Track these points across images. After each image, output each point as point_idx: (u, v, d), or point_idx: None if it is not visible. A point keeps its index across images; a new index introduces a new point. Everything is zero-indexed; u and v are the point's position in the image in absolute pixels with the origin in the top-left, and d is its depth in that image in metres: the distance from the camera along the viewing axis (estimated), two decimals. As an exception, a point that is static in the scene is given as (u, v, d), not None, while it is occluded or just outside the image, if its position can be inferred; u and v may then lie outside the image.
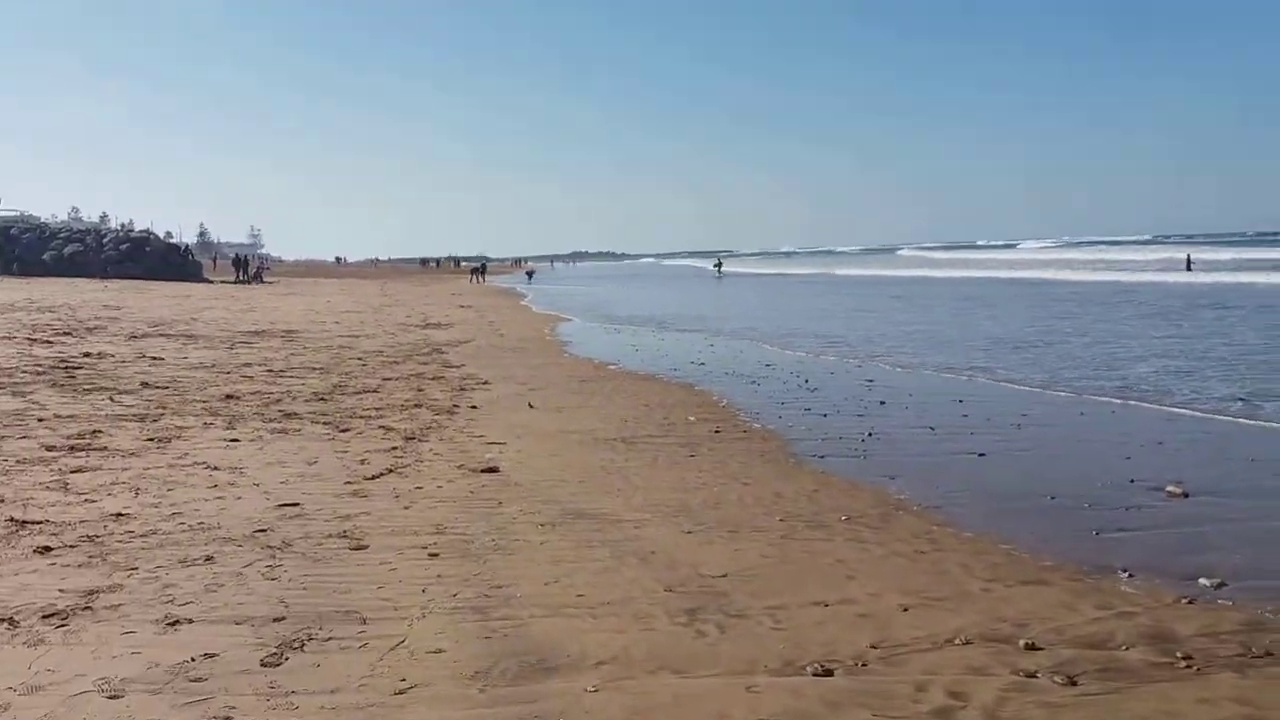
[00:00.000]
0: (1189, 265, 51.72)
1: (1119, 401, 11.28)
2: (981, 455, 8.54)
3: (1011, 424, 9.96)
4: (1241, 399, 11.13)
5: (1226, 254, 64.40)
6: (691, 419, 10.42)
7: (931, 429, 9.77)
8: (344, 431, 9.41)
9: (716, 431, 9.70)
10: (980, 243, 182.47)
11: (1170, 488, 7.08)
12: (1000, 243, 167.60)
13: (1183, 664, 4.01)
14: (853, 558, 5.62)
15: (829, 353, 17.23)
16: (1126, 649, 4.21)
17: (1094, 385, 12.54)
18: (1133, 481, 7.38)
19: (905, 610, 4.76)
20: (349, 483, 7.31)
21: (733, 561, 5.53)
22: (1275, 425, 9.67)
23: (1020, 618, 4.62)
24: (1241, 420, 9.96)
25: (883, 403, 11.42)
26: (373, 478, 7.49)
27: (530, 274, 78.00)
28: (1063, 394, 11.95)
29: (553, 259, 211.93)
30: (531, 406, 11.27)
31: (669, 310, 32.10)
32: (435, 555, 5.59)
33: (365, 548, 5.71)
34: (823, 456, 8.56)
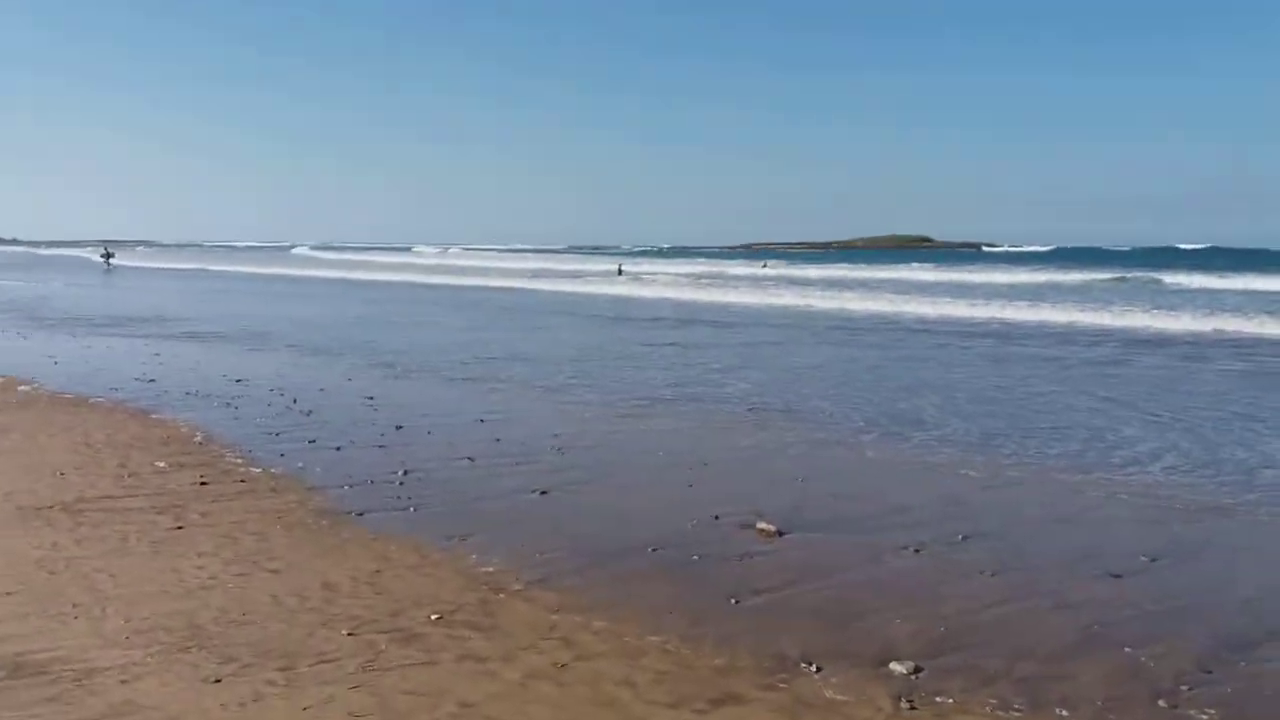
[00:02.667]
0: (620, 272, 56.08)
1: (638, 419, 10.91)
2: (544, 493, 7.38)
3: (552, 448, 8.96)
4: (750, 407, 11.44)
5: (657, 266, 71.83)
6: (162, 464, 7.75)
7: (471, 460, 8.39)
8: None
9: (204, 483, 7.24)
10: (381, 245, 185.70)
11: (760, 525, 6.52)
12: (399, 245, 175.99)
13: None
14: (463, 691, 3.96)
15: (305, 359, 14.97)
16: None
17: (590, 398, 12.16)
18: (718, 518, 6.72)
19: (598, 787, 3.27)
20: None
21: (311, 735, 3.55)
22: (790, 437, 9.88)
23: (747, 770, 3.40)
24: (757, 431, 10.02)
25: (399, 427, 9.74)
26: None
27: None
28: (575, 407, 11.29)
29: None
30: (-106, 458, 7.62)
31: (75, 307, 26.41)
32: None
33: None
34: (362, 513, 6.68)
